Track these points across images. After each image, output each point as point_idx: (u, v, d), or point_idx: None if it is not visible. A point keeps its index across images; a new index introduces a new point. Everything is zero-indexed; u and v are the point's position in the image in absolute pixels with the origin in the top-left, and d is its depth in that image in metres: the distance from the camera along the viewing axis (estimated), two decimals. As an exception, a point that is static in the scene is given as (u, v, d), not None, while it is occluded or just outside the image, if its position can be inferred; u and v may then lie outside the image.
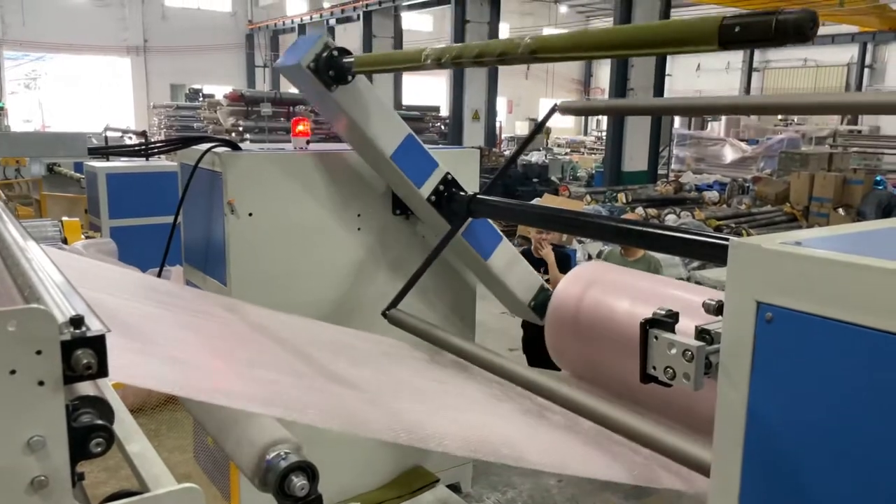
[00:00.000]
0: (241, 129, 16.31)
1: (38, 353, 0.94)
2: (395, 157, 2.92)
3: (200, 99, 22.01)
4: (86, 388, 1.03)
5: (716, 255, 1.96)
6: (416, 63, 2.14)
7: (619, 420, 1.92)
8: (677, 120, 21.54)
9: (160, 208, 5.63)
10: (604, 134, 19.23)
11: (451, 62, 2.01)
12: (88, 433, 0.99)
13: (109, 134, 10.50)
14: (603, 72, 33.24)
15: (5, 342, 0.92)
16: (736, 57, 31.42)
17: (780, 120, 26.83)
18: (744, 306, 1.11)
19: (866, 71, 28.90)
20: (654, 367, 1.29)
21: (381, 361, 2.41)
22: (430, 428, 1.77)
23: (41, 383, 0.95)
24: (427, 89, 28.31)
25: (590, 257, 8.77)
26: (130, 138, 10.89)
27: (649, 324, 1.31)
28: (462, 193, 3.03)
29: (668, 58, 17.31)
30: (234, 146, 3.12)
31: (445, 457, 3.78)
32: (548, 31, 32.00)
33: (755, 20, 1.37)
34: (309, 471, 1.19)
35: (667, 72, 15.45)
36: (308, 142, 3.45)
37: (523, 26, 30.43)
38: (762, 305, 1.08)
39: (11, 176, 8.27)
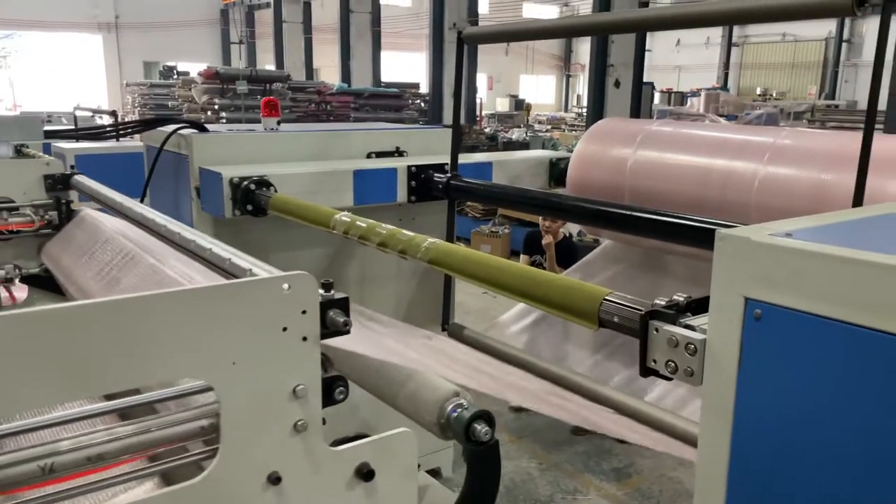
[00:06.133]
0: (216, 107, 15.96)
1: (304, 312, 1.09)
2: (358, 200, 2.88)
3: (175, 77, 21.53)
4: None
5: (706, 239, 1.90)
6: (326, 226, 2.21)
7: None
8: (657, 97, 21.48)
9: (133, 190, 5.44)
10: (584, 111, 19.13)
11: (356, 237, 2.11)
12: (332, 382, 1.18)
13: (80, 114, 10.23)
14: (583, 48, 33.05)
15: (281, 302, 1.07)
16: (715, 32, 31.37)
17: (759, 96, 26.89)
18: (731, 302, 1.04)
19: (844, 45, 29.00)
20: (655, 361, 1.22)
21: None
22: None
23: (304, 339, 1.10)
24: (406, 66, 27.98)
25: (570, 235, 8.72)
26: (101, 118, 10.62)
27: (649, 315, 1.24)
28: (438, 176, 2.97)
29: (648, 34, 17.20)
30: (201, 128, 3.00)
31: (425, 441, 3.73)
32: (526, 6, 31.70)
33: (628, 314, 1.31)
34: (488, 417, 1.30)
35: (647, 47, 15.34)
36: (279, 122, 3.34)
37: (500, 0, 30.11)
38: (750, 301, 1.02)
39: (-23, 158, 8.02)
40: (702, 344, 1.12)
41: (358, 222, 2.11)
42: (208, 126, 3.12)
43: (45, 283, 2.45)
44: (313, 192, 2.73)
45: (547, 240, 5.06)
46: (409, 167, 2.98)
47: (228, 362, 1.04)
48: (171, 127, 2.97)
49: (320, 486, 1.15)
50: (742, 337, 1.03)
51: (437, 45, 17.17)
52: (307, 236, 3.11)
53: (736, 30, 31.21)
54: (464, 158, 3.15)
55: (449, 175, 2.94)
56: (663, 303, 1.25)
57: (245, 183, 2.57)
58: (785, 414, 1.01)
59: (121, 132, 4.15)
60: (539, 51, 36.63)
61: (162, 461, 1.09)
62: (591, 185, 2.97)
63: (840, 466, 0.97)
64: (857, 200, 1.70)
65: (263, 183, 2.60)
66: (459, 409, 1.31)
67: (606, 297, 1.37)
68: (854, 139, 1.82)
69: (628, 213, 2.33)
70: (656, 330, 1.22)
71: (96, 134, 4.69)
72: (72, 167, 2.65)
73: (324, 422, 1.17)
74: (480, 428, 1.28)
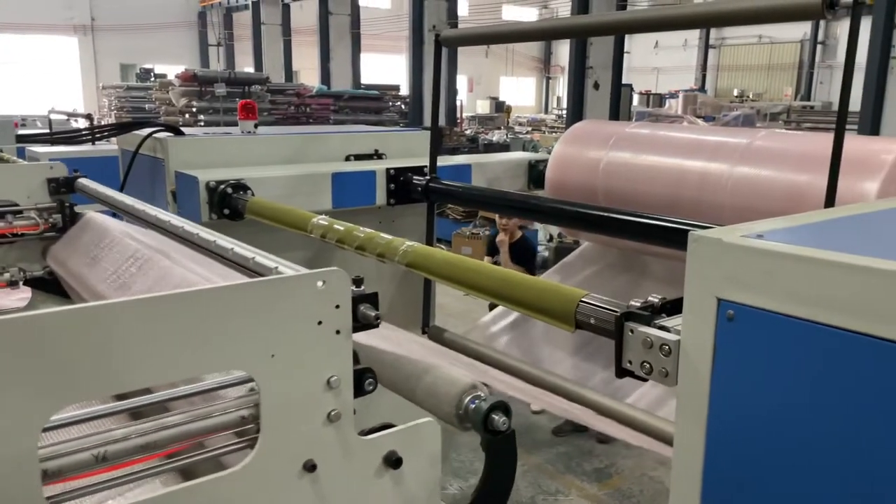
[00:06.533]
0: (194, 109, 15.84)
1: (337, 307, 1.14)
2: (337, 203, 2.84)
3: (152, 79, 21.33)
4: None
5: (680, 240, 1.92)
6: (304, 230, 2.20)
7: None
8: (636, 98, 21.66)
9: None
10: (564, 112, 19.22)
11: (334, 240, 2.10)
12: (363, 374, 1.22)
13: (55, 117, 10.09)
14: (563, 50, 33.22)
15: (316, 297, 1.12)
16: (693, 34, 31.69)
17: (736, 97, 27.19)
18: (704, 303, 1.05)
19: (819, 47, 29.42)
20: (630, 362, 1.23)
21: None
22: None
23: (338, 332, 1.15)
24: (386, 68, 27.94)
25: (551, 238, 8.78)
26: (77, 121, 10.50)
27: (625, 317, 1.24)
28: (417, 178, 2.96)
29: (627, 36, 17.33)
30: (177, 131, 2.97)
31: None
32: (506, 8, 31.83)
33: (603, 315, 1.32)
34: (505, 408, 1.34)
35: (625, 49, 15.47)
36: (257, 125, 3.32)
37: (480, 3, 30.20)
38: (723, 302, 1.02)
39: (-50, 162, 7.89)
40: (676, 345, 1.12)
41: (336, 226, 2.10)
42: (185, 129, 3.09)
43: (49, 286, 2.46)
44: (291, 196, 2.71)
45: (500, 237, 5.14)
46: (387, 170, 2.97)
47: (267, 355, 1.09)
48: (147, 130, 2.94)
49: (352, 473, 1.22)
50: (715, 338, 1.04)
51: (416, 48, 17.16)
52: (286, 239, 3.08)
53: (713, 32, 31.54)
54: (443, 161, 3.15)
55: (428, 178, 2.93)
56: (638, 304, 1.25)
57: (222, 187, 2.55)
58: (758, 414, 1.02)
59: (96, 136, 4.10)
60: (519, 53, 36.78)
61: (202, 451, 1.12)
62: (569, 186, 2.98)
63: (812, 465, 0.97)
64: (829, 201, 1.72)
65: (240, 186, 2.59)
66: (478, 401, 1.35)
67: (583, 299, 1.37)
68: (829, 140, 1.84)
69: (605, 214, 2.34)
70: (631, 331, 1.22)
71: (71, 138, 4.62)
72: (75, 171, 2.63)
73: (354, 412, 1.22)
74: (498, 418, 1.32)
